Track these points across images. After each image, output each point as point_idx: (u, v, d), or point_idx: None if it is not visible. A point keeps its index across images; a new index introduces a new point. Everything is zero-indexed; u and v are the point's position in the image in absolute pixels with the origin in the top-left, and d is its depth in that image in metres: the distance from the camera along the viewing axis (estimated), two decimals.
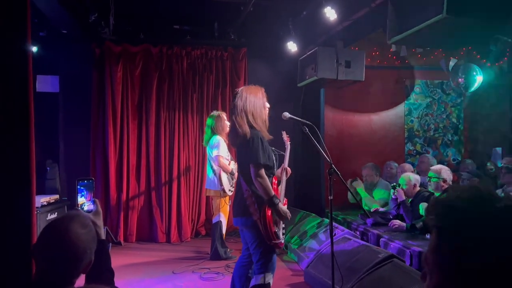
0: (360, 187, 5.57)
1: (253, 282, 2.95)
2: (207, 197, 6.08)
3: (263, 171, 2.86)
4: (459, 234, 0.70)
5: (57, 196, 5.54)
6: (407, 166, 5.64)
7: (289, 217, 2.97)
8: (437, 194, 4.27)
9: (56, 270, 1.43)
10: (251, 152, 2.86)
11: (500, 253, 0.66)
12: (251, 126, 2.93)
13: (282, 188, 3.17)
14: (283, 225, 3.05)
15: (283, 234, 3.02)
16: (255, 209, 2.88)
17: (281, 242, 2.95)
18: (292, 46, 5.81)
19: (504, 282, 0.66)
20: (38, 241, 1.48)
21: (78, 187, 1.85)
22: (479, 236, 0.68)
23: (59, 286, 1.23)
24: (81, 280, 1.51)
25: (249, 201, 2.91)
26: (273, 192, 2.88)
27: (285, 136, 3.51)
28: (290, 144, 3.54)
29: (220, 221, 5.03)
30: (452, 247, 0.70)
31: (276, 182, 3.07)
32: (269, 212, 2.85)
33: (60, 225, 1.48)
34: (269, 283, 2.92)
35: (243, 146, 2.93)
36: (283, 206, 2.96)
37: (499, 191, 4.61)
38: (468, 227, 0.69)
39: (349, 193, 5.67)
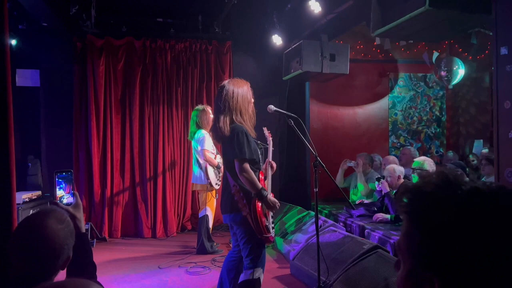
0: (359, 173, 5.61)
1: (242, 277, 2.92)
2: (193, 192, 6.05)
3: (247, 166, 2.82)
4: (428, 219, 0.70)
5: (39, 192, 5.46)
6: (391, 158, 5.69)
7: (278, 207, 2.95)
8: None
9: (33, 267, 1.39)
10: (236, 147, 2.82)
11: (468, 236, 0.67)
12: (236, 122, 2.88)
13: (268, 182, 3.16)
14: (272, 219, 3.04)
15: (272, 228, 3.00)
16: (244, 205, 2.84)
17: (271, 235, 2.93)
18: (277, 40, 5.80)
19: (474, 265, 0.66)
20: (13, 238, 1.43)
21: (57, 179, 1.80)
22: (447, 220, 0.69)
23: (37, 283, 1.20)
24: (62, 275, 1.48)
25: (237, 196, 2.87)
26: (260, 185, 2.85)
27: (266, 132, 3.50)
28: (272, 139, 3.53)
29: (207, 215, 5.02)
30: (422, 232, 0.71)
31: (262, 177, 3.04)
32: (259, 206, 2.83)
33: (35, 221, 1.43)
34: (258, 278, 2.89)
35: (228, 142, 2.88)
36: (272, 197, 2.93)
37: None
38: (436, 211, 0.70)
39: (338, 175, 5.73)
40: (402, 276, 0.76)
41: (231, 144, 2.85)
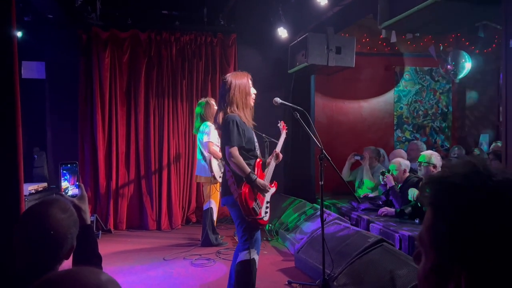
0: (366, 166, 5.58)
1: (239, 258, 3.04)
2: (198, 184, 6.07)
3: (235, 152, 2.97)
4: (456, 211, 0.68)
5: (45, 184, 5.49)
6: (398, 152, 5.65)
7: (268, 189, 3.09)
8: None
9: (36, 256, 1.39)
10: (226, 135, 3.00)
11: (501, 229, 0.65)
12: (228, 112, 3.03)
13: (269, 171, 3.27)
14: (267, 205, 3.16)
15: (265, 212, 3.14)
16: (235, 189, 3.01)
17: (262, 219, 3.07)
18: (282, 32, 5.76)
19: (503, 258, 0.64)
20: (17, 228, 1.43)
21: (62, 171, 1.81)
22: (476, 212, 0.66)
23: (41, 272, 1.20)
24: (67, 266, 1.48)
25: (230, 181, 3.05)
26: (248, 169, 2.99)
27: (281, 125, 3.63)
28: (287, 133, 3.66)
29: (211, 207, 5.04)
30: (448, 225, 0.68)
31: (260, 164, 3.16)
32: (246, 189, 2.98)
33: (39, 211, 1.43)
34: (253, 258, 3.02)
35: (222, 130, 3.07)
36: (261, 180, 3.06)
37: None
38: (465, 203, 0.67)
39: (345, 169, 5.73)
40: (426, 270, 0.73)
41: (223, 132, 3.05)
